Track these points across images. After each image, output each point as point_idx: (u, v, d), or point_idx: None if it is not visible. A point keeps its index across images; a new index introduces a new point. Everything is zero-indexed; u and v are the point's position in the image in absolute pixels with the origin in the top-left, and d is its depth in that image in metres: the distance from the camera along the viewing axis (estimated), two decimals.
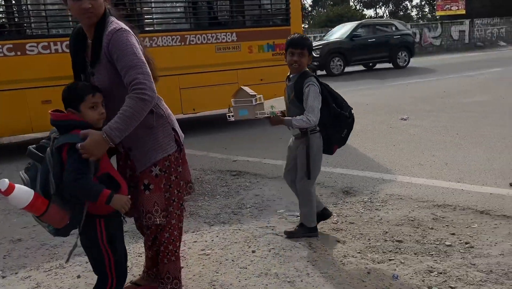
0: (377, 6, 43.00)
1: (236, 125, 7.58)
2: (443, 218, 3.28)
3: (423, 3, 42.64)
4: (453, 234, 3.01)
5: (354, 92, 10.11)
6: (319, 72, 14.68)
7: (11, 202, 1.75)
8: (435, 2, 30.33)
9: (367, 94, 10.11)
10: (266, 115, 2.82)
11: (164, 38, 6.52)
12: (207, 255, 2.90)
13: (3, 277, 2.75)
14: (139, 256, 2.90)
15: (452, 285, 2.38)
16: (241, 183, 4.42)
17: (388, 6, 43.25)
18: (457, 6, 28.40)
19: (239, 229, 3.28)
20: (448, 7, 28.58)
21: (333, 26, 23.72)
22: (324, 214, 3.23)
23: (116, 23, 1.97)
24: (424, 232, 3.05)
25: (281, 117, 2.89)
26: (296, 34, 2.98)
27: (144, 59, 1.93)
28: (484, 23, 27.77)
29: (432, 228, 3.12)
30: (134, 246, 3.05)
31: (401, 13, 43.62)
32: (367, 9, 41.75)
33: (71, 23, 6.23)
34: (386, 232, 3.10)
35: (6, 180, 1.71)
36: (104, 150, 1.87)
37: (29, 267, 2.87)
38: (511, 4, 32.24)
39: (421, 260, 2.69)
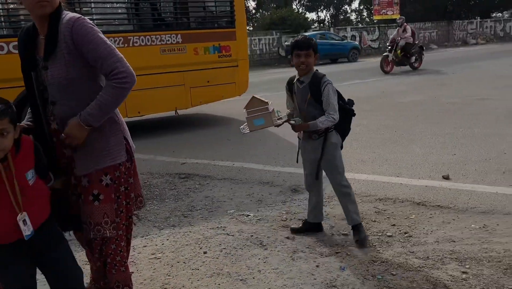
0: (319, 10, 44.34)
1: (183, 128, 7.52)
2: (384, 210, 3.48)
3: (361, 7, 44.53)
4: (394, 225, 3.20)
5: None
6: None
7: None
8: (372, 7, 31.83)
9: None
10: (283, 121, 2.76)
11: None
12: (158, 258, 2.87)
13: None
14: (86, 263, 2.81)
15: (394, 273, 2.54)
16: (191, 185, 4.40)
17: (329, 9, 44.73)
18: (392, 11, 30.00)
19: (190, 231, 3.28)
20: (384, 12, 30.10)
21: (277, 29, 24.31)
22: (313, 226, 3.17)
23: (72, 14, 1.92)
24: (367, 224, 3.22)
25: (305, 122, 2.85)
26: (299, 36, 2.95)
27: (111, 44, 1.93)
28: (417, 27, 29.53)
29: (374, 221, 3.30)
30: (81, 254, 2.95)
31: (342, 17, 45.30)
32: (309, 12, 42.78)
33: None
34: (333, 227, 3.23)
35: None
36: (86, 133, 1.90)
37: None
38: (440, 10, 34.64)
39: (365, 251, 2.83)
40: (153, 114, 7.75)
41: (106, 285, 2.22)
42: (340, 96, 2.95)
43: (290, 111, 3.05)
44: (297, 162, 3.10)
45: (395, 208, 3.51)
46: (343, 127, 2.99)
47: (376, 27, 28.36)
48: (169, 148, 6.09)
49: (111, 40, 6.32)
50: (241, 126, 2.80)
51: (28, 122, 2.06)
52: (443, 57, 20.30)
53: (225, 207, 3.77)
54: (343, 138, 3.03)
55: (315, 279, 2.52)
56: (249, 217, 3.50)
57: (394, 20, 29.48)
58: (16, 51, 2.24)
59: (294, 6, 39.76)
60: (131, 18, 6.99)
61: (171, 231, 3.30)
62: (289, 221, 3.40)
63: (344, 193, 2.99)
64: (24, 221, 1.73)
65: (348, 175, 4.49)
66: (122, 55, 1.92)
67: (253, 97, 2.73)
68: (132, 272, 2.45)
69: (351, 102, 3.03)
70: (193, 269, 2.70)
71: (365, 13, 44.34)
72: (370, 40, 27.41)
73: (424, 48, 15.14)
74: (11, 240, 1.75)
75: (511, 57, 17.20)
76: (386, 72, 13.77)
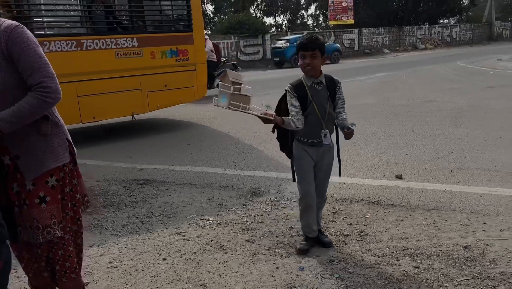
0: (276, 14, 44.92)
1: (141, 133, 7.37)
2: (341, 210, 3.58)
3: (317, 12, 45.56)
4: (350, 224, 3.30)
5: (258, 97, 10.43)
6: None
7: None
8: (328, 12, 32.65)
9: (270, 99, 10.48)
10: (266, 112, 2.59)
11: (58, 43, 6.10)
12: (115, 267, 2.80)
13: None
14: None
15: (351, 270, 2.61)
16: (149, 191, 4.33)
17: (286, 14, 45.38)
18: (347, 17, 30.92)
19: (149, 238, 3.22)
20: (339, 17, 30.97)
21: (235, 33, 24.40)
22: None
23: (10, 21, 1.86)
24: (325, 224, 3.29)
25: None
26: (305, 36, 2.83)
27: (46, 58, 1.87)
28: (371, 32, 30.67)
29: (332, 221, 3.38)
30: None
31: (298, 21, 46.08)
32: (267, 17, 43.24)
33: None
34: (292, 228, 3.28)
35: None
36: None
37: None
38: (392, 16, 36.08)
39: (323, 250, 2.90)
40: (109, 119, 7.55)
41: None
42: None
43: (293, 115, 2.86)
44: (293, 179, 3.00)
45: (352, 208, 3.62)
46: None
47: (332, 32, 29.13)
48: (126, 153, 5.95)
49: (63, 43, 6.15)
50: (214, 98, 2.60)
51: None
52: (396, 61, 21.15)
53: (185, 212, 3.74)
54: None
55: (275, 280, 2.55)
56: (209, 221, 3.49)
57: (349, 26, 30.52)
58: None
59: (251, 11, 40.03)
60: (84, 21, 6.79)
61: (129, 239, 3.23)
62: (249, 224, 3.42)
63: (325, 199, 3.09)
64: None
65: None
66: (54, 72, 1.88)
67: (227, 71, 2.54)
68: (88, 283, 2.38)
69: None
70: (152, 277, 2.65)
71: (321, 18, 45.37)
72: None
73: (237, 65, 12.50)
74: None
75: (456, 62, 18.22)
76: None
